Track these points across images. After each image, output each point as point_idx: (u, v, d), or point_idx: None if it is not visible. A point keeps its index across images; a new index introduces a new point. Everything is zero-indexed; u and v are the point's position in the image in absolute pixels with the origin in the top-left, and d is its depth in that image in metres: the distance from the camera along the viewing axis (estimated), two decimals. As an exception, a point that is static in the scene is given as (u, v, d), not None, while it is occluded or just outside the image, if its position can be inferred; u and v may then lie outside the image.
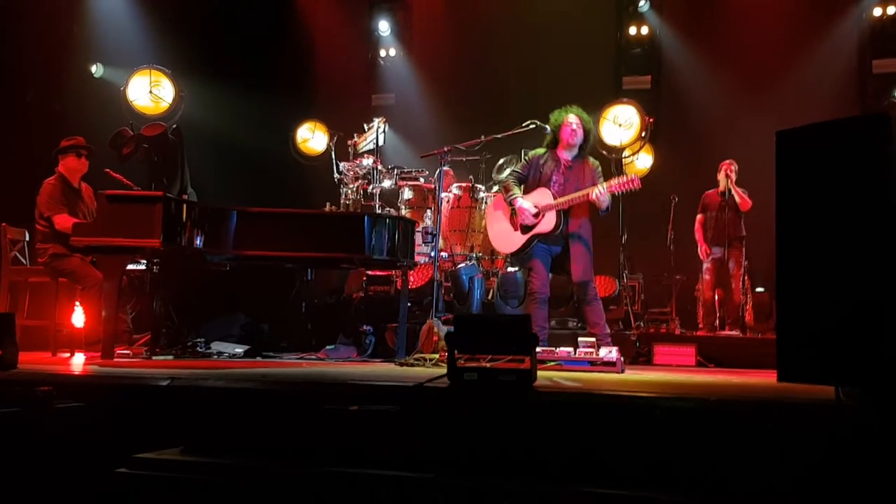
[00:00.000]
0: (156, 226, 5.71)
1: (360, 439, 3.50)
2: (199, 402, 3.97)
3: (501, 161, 8.49)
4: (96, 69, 9.97)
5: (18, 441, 3.78)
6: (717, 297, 9.13)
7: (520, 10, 11.38)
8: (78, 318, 6.77)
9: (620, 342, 6.83)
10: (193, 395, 4.04)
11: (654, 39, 11.50)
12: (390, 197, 8.41)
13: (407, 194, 8.39)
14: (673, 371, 6.53)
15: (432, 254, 7.06)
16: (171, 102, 10.01)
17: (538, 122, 6.51)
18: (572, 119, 6.45)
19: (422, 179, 8.46)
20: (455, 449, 3.41)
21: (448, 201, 8.28)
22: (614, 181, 6.25)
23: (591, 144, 6.63)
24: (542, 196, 6.43)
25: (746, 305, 9.08)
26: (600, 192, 6.17)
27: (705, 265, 9.09)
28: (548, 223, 6.37)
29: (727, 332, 8.68)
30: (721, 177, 8.93)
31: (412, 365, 5.84)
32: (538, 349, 4.92)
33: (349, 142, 8.66)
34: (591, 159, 6.56)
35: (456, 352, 3.87)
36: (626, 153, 10.18)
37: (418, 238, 7.56)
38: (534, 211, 6.39)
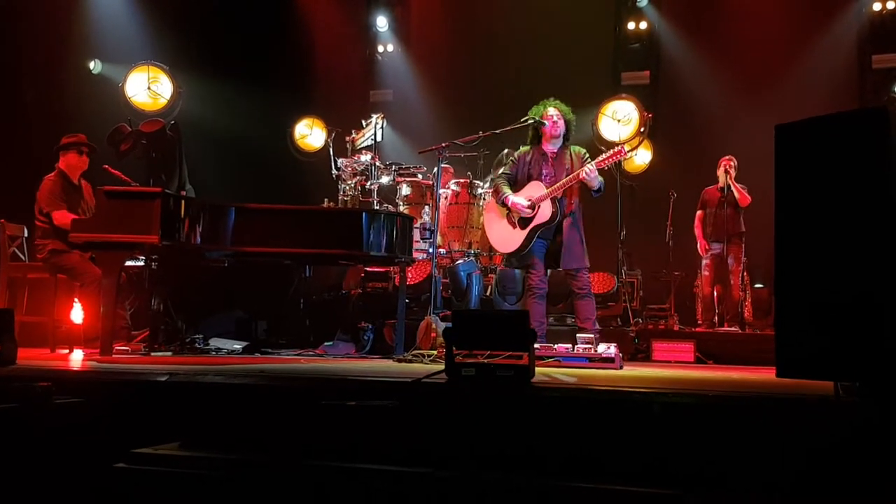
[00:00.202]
0: (154, 222, 5.71)
1: (359, 434, 3.50)
2: (197, 398, 3.97)
3: (500, 156, 8.48)
4: (94, 65, 9.96)
5: (17, 437, 3.78)
6: (715, 293, 9.12)
7: (518, 5, 11.37)
8: (77, 314, 6.77)
9: (619, 338, 6.84)
10: (191, 390, 4.04)
11: (652, 35, 11.49)
12: (388, 193, 8.41)
13: (405, 190, 8.40)
14: (671, 367, 6.54)
15: (430, 250, 7.06)
16: (169, 98, 10.01)
17: (536, 118, 6.52)
18: (552, 112, 6.56)
19: (420, 176, 8.46)
20: (453, 444, 3.41)
21: (446, 198, 8.28)
22: (601, 156, 6.34)
23: (573, 133, 6.67)
24: (536, 188, 6.47)
25: (745, 301, 9.08)
26: (589, 170, 6.22)
27: (704, 261, 9.08)
28: (545, 213, 6.41)
29: (726, 329, 8.68)
30: (720, 173, 8.92)
31: (410, 361, 5.84)
32: (536, 345, 4.92)
33: (347, 138, 8.66)
34: (576, 147, 6.64)
35: (454, 348, 3.87)
36: (627, 153, 10.15)
37: (416, 234, 7.57)
38: (527, 203, 6.42)
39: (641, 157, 11.01)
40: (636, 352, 7.60)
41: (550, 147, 6.60)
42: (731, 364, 6.98)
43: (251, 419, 3.77)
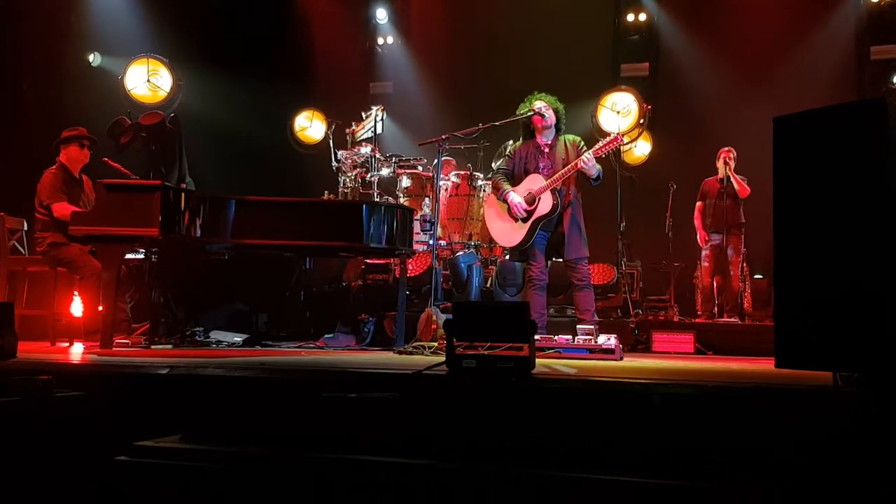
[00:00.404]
0: (154, 215, 5.70)
1: (360, 427, 3.51)
2: (197, 391, 3.98)
3: (501, 148, 8.47)
4: (94, 58, 9.94)
5: (18, 430, 3.79)
6: (715, 284, 9.13)
7: (518, -3, 11.38)
8: (77, 307, 6.77)
9: (619, 329, 6.85)
10: (192, 383, 4.05)
11: (652, 26, 11.49)
12: (388, 185, 8.41)
13: (405, 182, 8.39)
14: (671, 358, 6.54)
15: (431, 242, 7.06)
16: (168, 91, 10.00)
17: (535, 110, 6.52)
18: (539, 105, 6.55)
19: (420, 167, 8.45)
20: (454, 435, 3.42)
21: (446, 189, 8.28)
22: (598, 144, 6.36)
23: (564, 122, 6.66)
24: (535, 181, 6.47)
25: (745, 292, 9.09)
26: (587, 159, 6.24)
27: (704, 252, 9.08)
28: (545, 205, 6.41)
29: (726, 319, 8.68)
30: (720, 164, 8.92)
31: (411, 353, 5.85)
32: (536, 336, 4.94)
33: (347, 130, 8.65)
34: (569, 135, 6.65)
35: (454, 339, 3.88)
36: (624, 140, 10.17)
37: (416, 226, 7.57)
38: (525, 205, 6.42)
39: (641, 149, 11.03)
40: (636, 343, 7.60)
41: (544, 139, 6.60)
42: (731, 355, 7.00)
43: (252, 412, 3.78)
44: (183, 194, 6.01)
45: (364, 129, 8.53)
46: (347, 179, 8.19)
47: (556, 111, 6.59)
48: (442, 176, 7.87)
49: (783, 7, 10.39)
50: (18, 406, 3.81)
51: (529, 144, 6.65)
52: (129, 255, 6.53)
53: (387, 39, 12.74)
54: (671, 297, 9.66)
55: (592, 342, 5.70)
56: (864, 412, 3.02)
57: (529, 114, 6.53)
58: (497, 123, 6.76)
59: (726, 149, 8.91)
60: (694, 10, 11.19)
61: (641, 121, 10.30)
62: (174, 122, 6.60)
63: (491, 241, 7.96)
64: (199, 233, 6.08)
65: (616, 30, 11.60)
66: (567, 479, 3.02)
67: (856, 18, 10.56)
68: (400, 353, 5.99)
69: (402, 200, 8.18)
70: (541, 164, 6.53)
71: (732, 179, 8.73)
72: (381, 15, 12.58)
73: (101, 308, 5.96)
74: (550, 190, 6.39)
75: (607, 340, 5.73)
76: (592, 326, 5.95)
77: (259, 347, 6.79)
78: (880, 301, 3.04)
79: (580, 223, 6.48)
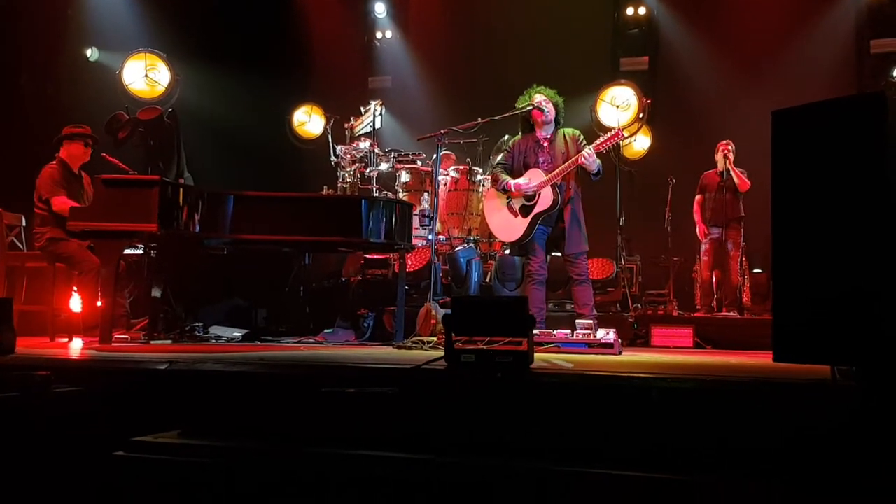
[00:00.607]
0: (152, 210, 5.71)
1: (359, 421, 3.51)
2: (196, 386, 3.97)
3: (500, 142, 8.46)
4: (91, 53, 9.92)
5: (17, 426, 3.79)
6: (714, 278, 9.13)
7: (517, -9, 11.36)
8: (76, 303, 6.77)
9: (618, 324, 6.84)
10: (191, 378, 4.04)
11: (651, 20, 11.47)
12: (387, 180, 8.40)
13: (404, 177, 8.39)
14: (670, 352, 6.55)
15: (430, 237, 7.06)
16: (166, 86, 9.98)
17: (534, 104, 6.50)
18: (539, 98, 6.52)
19: (419, 162, 8.45)
20: (453, 430, 3.42)
21: (445, 184, 8.28)
22: (599, 139, 6.35)
23: (563, 116, 6.65)
24: (535, 176, 6.44)
25: (744, 286, 9.09)
26: (588, 154, 6.22)
27: (703, 246, 9.07)
28: (546, 199, 6.39)
29: (725, 314, 8.69)
30: (719, 157, 8.91)
31: (410, 348, 5.85)
32: (535, 331, 4.94)
33: (346, 125, 8.64)
34: (569, 129, 6.61)
35: (453, 334, 3.87)
36: (625, 135, 10.16)
37: (416, 221, 7.57)
38: (529, 183, 6.39)
39: (640, 143, 11.02)
40: (635, 337, 7.61)
41: (543, 133, 6.56)
42: (730, 349, 7.00)
43: (251, 407, 3.77)
44: (181, 189, 6.01)
45: (363, 124, 8.52)
46: (346, 174, 8.18)
47: (555, 105, 6.55)
48: (441, 171, 7.87)
49: (783, 1, 10.37)
50: (17, 402, 3.81)
51: (529, 138, 6.62)
52: (128, 251, 6.52)
53: (385, 34, 12.73)
54: (670, 291, 9.66)
55: (591, 337, 5.70)
56: (863, 406, 3.01)
57: (528, 108, 6.51)
58: (496, 118, 6.73)
59: (725, 142, 8.90)
60: (693, 3, 11.18)
61: (641, 115, 10.29)
62: (172, 117, 6.61)
63: (490, 235, 7.96)
64: (197, 228, 6.09)
65: (615, 23, 11.58)
66: (566, 473, 3.02)
67: (855, 12, 10.54)
68: (399, 347, 5.99)
69: (401, 195, 8.18)
70: (540, 159, 6.50)
71: (732, 173, 8.72)
72: (380, 9, 12.57)
73: (99, 304, 5.96)
74: (551, 185, 6.37)
75: (606, 335, 5.73)
76: (591, 321, 5.95)
77: (258, 343, 6.80)
78: (878, 295, 3.04)
79: (580, 218, 6.46)
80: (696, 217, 9.12)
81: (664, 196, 9.53)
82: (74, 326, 6.64)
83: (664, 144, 10.90)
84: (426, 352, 5.46)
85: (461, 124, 6.90)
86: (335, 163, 8.32)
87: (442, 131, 6.66)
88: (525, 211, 6.47)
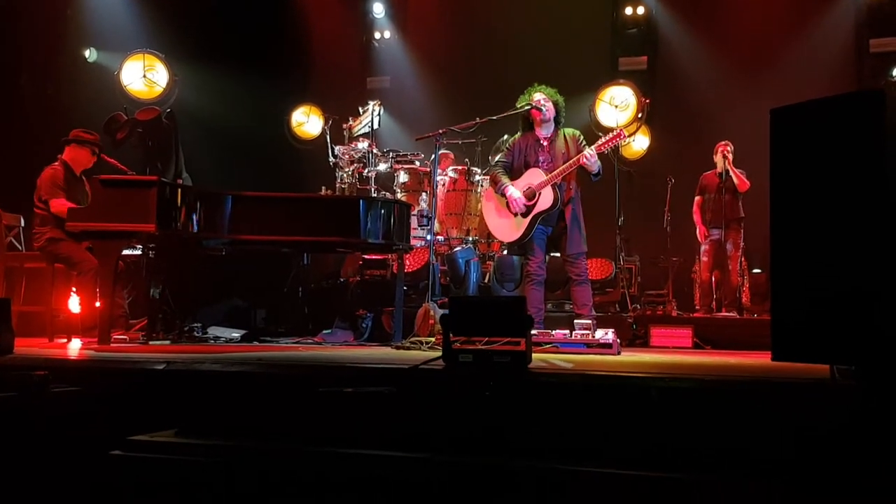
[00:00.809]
0: (151, 210, 5.71)
1: (357, 421, 3.50)
2: (194, 386, 3.96)
3: (499, 142, 8.46)
4: (90, 54, 9.92)
5: (15, 426, 3.79)
6: (713, 278, 9.12)
7: (515, -9, 11.36)
8: (74, 303, 6.76)
9: (617, 324, 6.83)
10: (189, 378, 4.04)
11: (650, 20, 11.48)
12: (386, 180, 8.39)
13: (402, 177, 8.39)
14: (669, 353, 6.54)
15: (428, 237, 7.05)
16: (165, 87, 9.98)
17: (533, 103, 6.49)
18: (539, 97, 6.50)
19: (417, 162, 8.45)
20: (450, 430, 3.41)
21: (444, 184, 8.27)
22: (601, 140, 6.34)
23: (564, 115, 6.63)
24: (535, 175, 6.42)
25: (743, 287, 9.08)
26: (589, 155, 6.21)
27: (703, 247, 9.05)
28: (546, 200, 6.36)
29: (724, 314, 8.68)
30: (718, 158, 8.89)
31: (408, 348, 5.84)
32: (534, 331, 4.93)
33: (344, 125, 8.64)
34: (569, 129, 6.60)
35: (451, 334, 3.87)
36: (626, 136, 10.15)
37: (414, 221, 7.56)
38: (524, 201, 6.38)
39: (639, 143, 11.03)
40: (634, 337, 7.59)
41: (543, 132, 6.54)
42: (729, 349, 6.99)
43: (249, 407, 3.77)
44: (179, 190, 6.01)
45: (361, 124, 8.52)
46: (345, 175, 8.18)
47: (555, 104, 6.53)
48: (439, 171, 7.86)
49: (782, 0, 10.38)
50: (15, 402, 3.81)
51: (529, 137, 6.60)
52: (126, 251, 6.52)
53: (384, 34, 12.73)
54: (669, 291, 9.65)
55: (590, 337, 5.69)
56: (863, 405, 3.01)
57: (527, 107, 6.50)
58: (494, 118, 6.71)
59: (723, 143, 8.89)
60: (692, 3, 11.19)
61: (640, 114, 10.29)
62: (170, 117, 6.61)
63: (489, 236, 7.95)
64: (195, 228, 6.08)
65: (614, 23, 11.58)
66: (564, 472, 3.02)
67: (855, 11, 10.55)
68: (397, 348, 5.98)
69: (399, 196, 8.17)
70: (540, 158, 6.47)
71: (732, 173, 8.70)
72: (378, 9, 12.57)
73: (98, 304, 5.96)
74: (551, 185, 6.35)
75: (605, 335, 5.72)
76: (590, 321, 5.93)
77: (257, 343, 6.79)
78: (877, 294, 3.03)
79: (580, 219, 6.45)
80: (696, 218, 9.11)
81: (663, 196, 9.52)
82: (73, 327, 6.63)
83: (663, 144, 10.90)
84: (424, 352, 5.46)
85: (460, 124, 6.89)
86: (333, 163, 8.32)
87: (440, 131, 6.64)
88: (524, 211, 6.46)
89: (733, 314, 8.62)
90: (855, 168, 3.14)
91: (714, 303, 9.07)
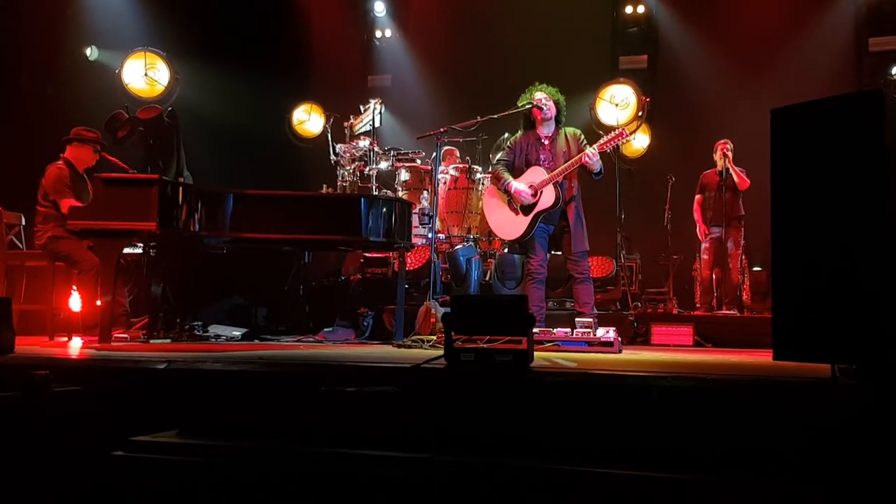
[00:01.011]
0: (152, 209, 5.71)
1: (358, 420, 3.50)
2: (196, 385, 3.96)
3: (499, 140, 8.46)
4: (91, 52, 9.92)
5: (16, 425, 3.79)
6: (714, 276, 9.12)
7: (516, -10, 11.36)
8: (75, 302, 6.76)
9: (618, 322, 6.84)
10: (190, 377, 4.04)
11: (650, 18, 11.49)
12: (387, 178, 8.40)
13: (404, 176, 8.39)
14: (670, 351, 6.54)
15: (429, 235, 7.05)
16: (166, 85, 9.99)
17: (533, 102, 6.49)
18: (540, 96, 6.51)
19: (418, 161, 8.45)
20: (452, 429, 3.41)
21: (445, 183, 8.28)
22: (602, 139, 6.34)
23: (565, 114, 6.63)
24: (537, 174, 6.42)
25: (744, 285, 9.08)
26: (591, 154, 6.22)
27: (704, 245, 9.05)
28: (548, 198, 6.36)
29: (725, 312, 8.68)
30: (718, 157, 8.89)
31: (410, 346, 5.84)
32: (535, 329, 4.94)
33: (345, 123, 8.63)
34: (569, 128, 6.60)
35: (453, 333, 3.87)
36: (626, 134, 10.15)
37: (415, 220, 7.56)
38: (530, 191, 6.38)
39: (639, 142, 11.03)
40: (635, 335, 7.60)
41: (544, 131, 6.55)
42: (730, 347, 6.99)
43: (250, 406, 3.77)
44: (181, 188, 6.01)
45: (362, 123, 8.51)
46: (346, 173, 8.17)
47: (556, 103, 6.53)
48: (441, 169, 7.86)
49: (782, -1, 10.40)
50: (16, 401, 3.81)
51: (530, 135, 6.60)
52: (127, 250, 6.52)
53: (385, 32, 12.73)
54: (670, 289, 9.66)
55: (591, 335, 5.70)
56: (863, 404, 3.01)
57: (528, 106, 6.50)
58: (495, 116, 6.72)
59: (723, 141, 8.89)
60: (692, 2, 11.20)
61: (640, 113, 10.31)
62: (172, 116, 6.60)
63: (490, 234, 7.96)
64: (197, 227, 6.09)
65: (614, 22, 11.59)
66: (565, 472, 3.02)
67: (854, 10, 10.56)
68: (399, 346, 5.98)
69: (400, 194, 8.18)
70: (541, 157, 6.48)
71: (732, 172, 8.70)
72: (379, 8, 12.58)
73: (99, 303, 5.96)
74: (553, 183, 6.35)
75: (606, 333, 5.72)
76: (591, 319, 5.94)
77: (258, 341, 6.80)
78: (878, 292, 3.04)
79: (583, 217, 6.46)
80: (697, 217, 9.11)
81: (664, 194, 9.53)
82: (74, 325, 6.64)
83: (663, 143, 10.91)
84: (426, 350, 5.46)
85: (461, 123, 6.90)
86: (335, 161, 8.32)
87: (441, 130, 6.64)
88: (526, 209, 6.45)
89: (734, 312, 8.62)
90: (855, 168, 3.14)
91: (715, 301, 9.07)
